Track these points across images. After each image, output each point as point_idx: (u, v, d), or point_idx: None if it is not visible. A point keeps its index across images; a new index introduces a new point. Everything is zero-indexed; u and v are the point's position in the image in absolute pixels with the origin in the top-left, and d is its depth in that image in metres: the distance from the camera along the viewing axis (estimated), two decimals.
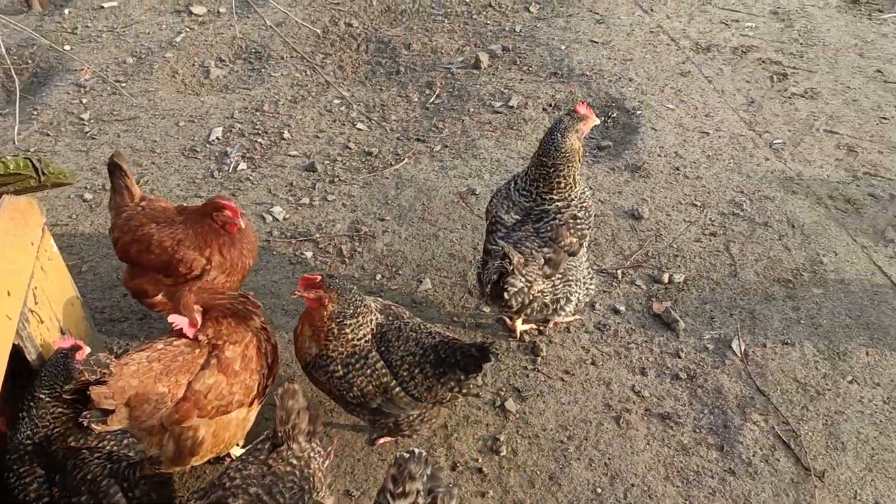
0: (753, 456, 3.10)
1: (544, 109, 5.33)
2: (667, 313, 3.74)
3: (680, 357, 3.56)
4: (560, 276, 3.37)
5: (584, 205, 3.37)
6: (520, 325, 3.69)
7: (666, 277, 3.94)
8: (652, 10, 6.37)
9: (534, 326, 3.72)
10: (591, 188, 4.55)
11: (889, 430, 3.16)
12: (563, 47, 5.93)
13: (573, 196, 3.33)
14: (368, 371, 2.82)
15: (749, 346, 3.58)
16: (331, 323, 2.83)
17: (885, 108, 5.09)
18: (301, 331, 2.92)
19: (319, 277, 2.81)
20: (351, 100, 5.62)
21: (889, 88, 5.26)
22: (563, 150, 3.24)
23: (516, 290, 3.18)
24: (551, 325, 3.72)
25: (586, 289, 3.53)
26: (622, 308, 3.80)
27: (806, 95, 5.26)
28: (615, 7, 6.46)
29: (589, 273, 3.55)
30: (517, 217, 3.38)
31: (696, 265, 4.02)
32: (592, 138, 5.06)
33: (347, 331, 2.84)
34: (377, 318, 2.92)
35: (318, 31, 6.48)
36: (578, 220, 3.32)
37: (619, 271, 4.00)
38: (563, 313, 3.48)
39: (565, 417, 3.29)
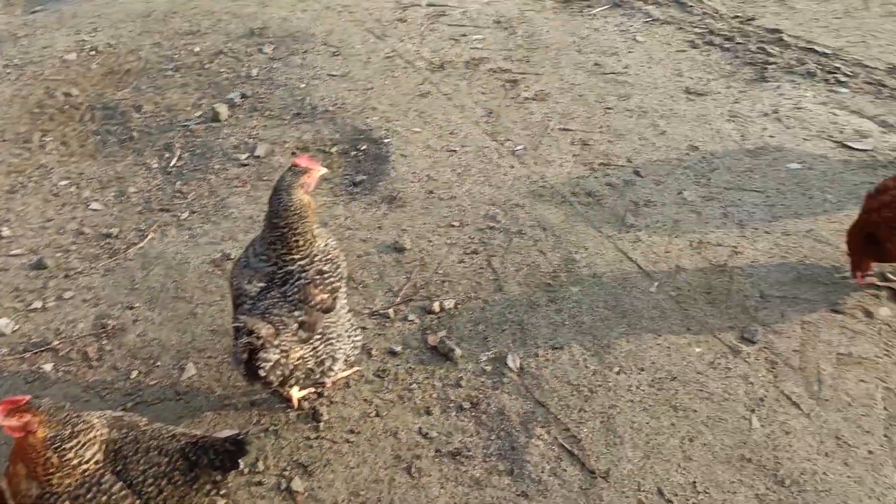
0: (542, 472, 3.12)
1: (293, 153, 5.16)
2: (442, 343, 3.71)
3: (461, 386, 3.53)
4: (319, 336, 3.21)
5: (329, 257, 3.24)
6: (296, 393, 3.48)
7: (437, 306, 3.92)
8: (385, 36, 6.41)
9: (312, 390, 3.53)
10: (350, 228, 4.45)
11: (658, 413, 3.33)
12: (302, 86, 5.79)
13: (315, 251, 3.18)
14: (105, 499, 2.49)
15: (523, 358, 3.63)
16: (47, 452, 2.46)
17: (607, 98, 5.46)
18: (14, 471, 2.51)
19: (23, 399, 2.43)
20: (80, 178, 5.11)
21: (608, 79, 5.66)
22: (292, 209, 3.09)
23: (272, 363, 2.98)
24: (329, 384, 3.56)
25: (352, 342, 3.40)
26: (399, 348, 3.72)
27: (537, 98, 5.51)
28: (349, 37, 6.43)
29: (352, 324, 3.42)
30: (261, 285, 3.17)
31: (463, 287, 4.03)
32: (346, 175, 4.97)
33: (70, 456, 2.48)
34: (105, 434, 2.58)
35: (33, 106, 5.85)
36: (326, 275, 3.18)
37: (391, 310, 3.92)
38: (332, 373, 3.33)
39: (356, 483, 3.14)
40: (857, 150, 4.76)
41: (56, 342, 3.83)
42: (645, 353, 3.60)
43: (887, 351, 3.52)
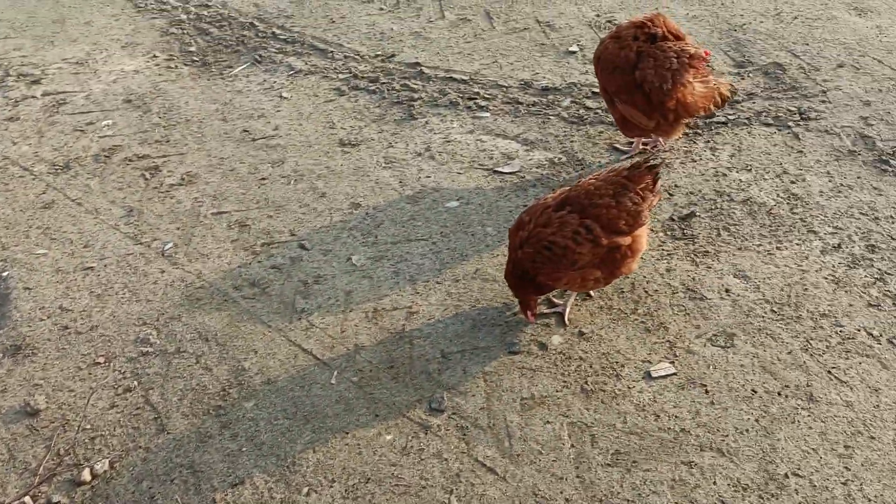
0: None
1: None
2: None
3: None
4: None
5: None
6: None
7: (87, 474, 3.25)
8: None
9: None
10: None
11: None
12: None
13: None
14: None
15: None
16: None
17: (260, 167, 5.08)
18: None
19: None
20: None
21: (259, 146, 5.28)
22: None
23: None
24: None
25: None
26: None
27: (184, 182, 4.97)
28: None
29: None
30: None
31: (119, 439, 3.41)
32: None
33: None
34: None
35: None
36: None
37: (27, 497, 3.17)
38: None
39: None
40: (507, 174, 4.87)
41: None
42: (334, 460, 3.26)
43: (565, 382, 3.54)
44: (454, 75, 5.87)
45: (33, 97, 5.97)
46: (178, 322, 3.97)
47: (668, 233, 4.34)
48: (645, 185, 3.47)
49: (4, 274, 4.31)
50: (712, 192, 4.60)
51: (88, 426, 3.48)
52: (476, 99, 5.58)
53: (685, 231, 4.34)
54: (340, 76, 5.98)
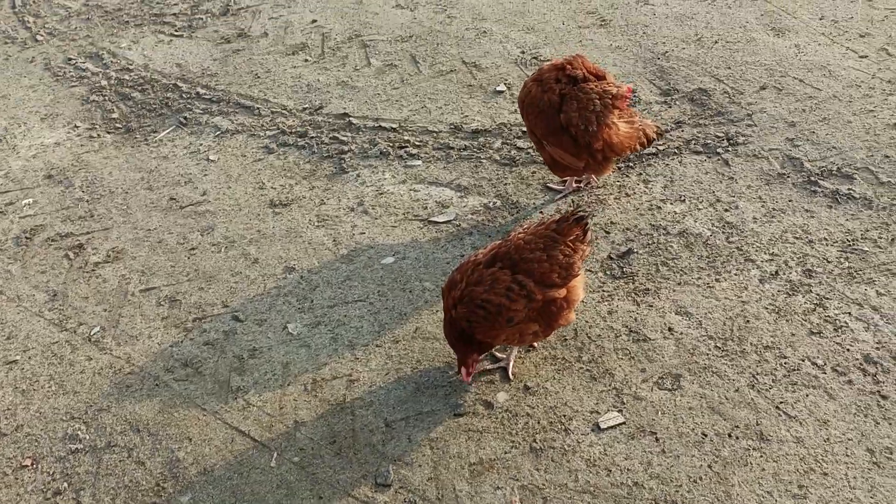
0: None
1: None
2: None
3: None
4: None
5: None
6: None
7: None
8: None
9: None
10: None
11: None
12: None
13: None
14: None
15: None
16: None
17: (189, 237, 4.91)
18: None
19: None
20: None
21: (187, 213, 5.12)
22: None
23: None
24: None
25: None
26: None
27: (110, 259, 4.78)
28: None
29: None
30: None
31: None
32: None
33: None
34: None
35: None
36: None
37: None
38: None
39: None
40: (442, 223, 4.79)
41: None
42: None
43: (513, 442, 3.44)
44: (383, 124, 5.80)
45: None
46: (107, 413, 3.78)
47: (608, 272, 4.30)
48: (575, 237, 3.42)
49: None
50: (648, 226, 4.58)
51: None
52: (407, 147, 5.51)
53: (624, 269, 4.31)
54: (268, 133, 5.86)
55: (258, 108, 6.15)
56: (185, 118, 6.12)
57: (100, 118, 6.27)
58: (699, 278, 4.19)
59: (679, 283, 4.17)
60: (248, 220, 5.02)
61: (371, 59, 6.67)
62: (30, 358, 4.15)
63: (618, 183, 4.96)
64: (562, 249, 3.38)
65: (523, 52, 6.52)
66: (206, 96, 6.40)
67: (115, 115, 6.29)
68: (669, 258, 4.34)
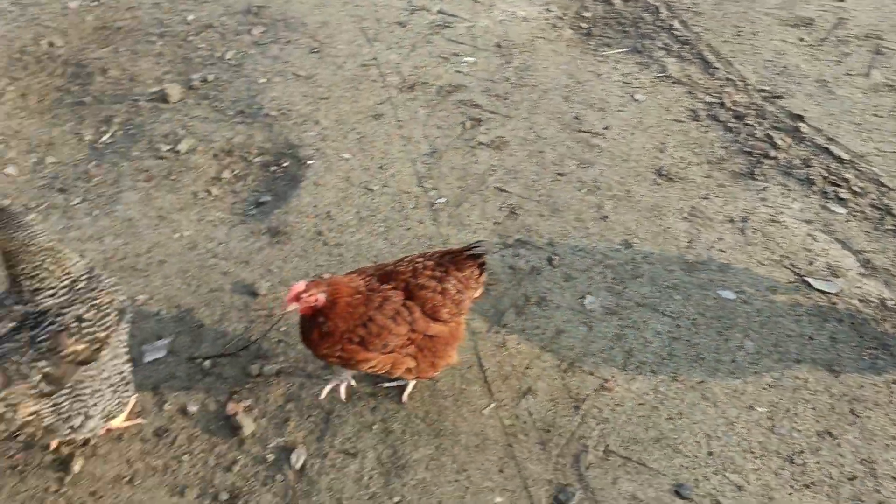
0: None
1: (215, 156, 4.89)
2: (237, 415, 3.38)
3: (231, 471, 3.21)
4: (67, 391, 2.95)
5: (97, 302, 2.96)
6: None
7: (256, 369, 3.58)
8: (375, 40, 5.98)
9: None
10: (217, 256, 4.14)
11: None
12: (262, 80, 5.49)
13: (75, 288, 2.92)
14: None
15: (309, 457, 3.25)
16: None
17: (566, 161, 4.84)
18: None
19: None
20: (14, 136, 5.05)
21: (579, 138, 5.02)
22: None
23: None
24: (102, 431, 3.31)
25: (118, 398, 3.13)
26: (195, 408, 3.43)
27: (492, 145, 4.97)
28: (338, 34, 6.04)
29: (123, 378, 3.14)
30: (11, 325, 2.93)
31: (296, 352, 3.67)
32: (256, 192, 4.66)
33: None
34: None
35: (15, 51, 5.86)
36: (86, 322, 2.91)
37: (209, 361, 3.61)
38: (86, 430, 3.07)
39: None
40: (816, 289, 3.98)
41: None
42: (439, 486, 3.14)
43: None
44: (835, 148, 4.87)
45: (427, 11, 6.36)
46: None
47: None
48: (469, 273, 3.21)
49: (310, 162, 4.79)
50: None
51: (283, 328, 3.78)
52: (840, 186, 4.59)
53: None
54: (707, 99, 5.34)
55: (716, 68, 5.61)
56: (643, 46, 5.85)
57: (573, 12, 6.31)
58: None
59: None
60: (625, 174, 4.75)
61: (874, 69, 5.54)
62: (383, 194, 4.60)
63: None
64: (455, 284, 3.15)
65: None
66: (677, 33, 6.01)
67: (586, 14, 6.28)
68: None
